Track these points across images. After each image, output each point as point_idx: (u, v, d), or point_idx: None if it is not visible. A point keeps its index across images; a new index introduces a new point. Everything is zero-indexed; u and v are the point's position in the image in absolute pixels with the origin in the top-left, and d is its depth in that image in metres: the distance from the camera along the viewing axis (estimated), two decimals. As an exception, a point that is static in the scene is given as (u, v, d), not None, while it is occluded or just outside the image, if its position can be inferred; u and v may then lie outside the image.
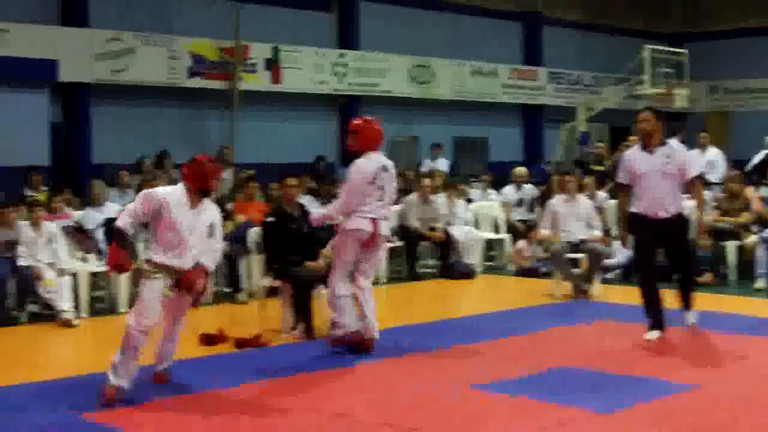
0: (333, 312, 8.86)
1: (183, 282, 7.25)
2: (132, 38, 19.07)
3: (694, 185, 9.41)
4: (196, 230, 7.28)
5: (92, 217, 12.92)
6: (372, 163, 8.74)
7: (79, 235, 12.39)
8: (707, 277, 12.89)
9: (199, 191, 7.32)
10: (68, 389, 7.65)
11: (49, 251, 11.35)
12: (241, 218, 12.85)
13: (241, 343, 9.25)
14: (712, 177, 16.34)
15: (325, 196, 14.79)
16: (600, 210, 13.88)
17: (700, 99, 28.90)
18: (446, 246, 14.55)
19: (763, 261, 12.65)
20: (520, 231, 15.58)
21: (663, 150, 9.17)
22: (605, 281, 12.77)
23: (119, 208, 13.06)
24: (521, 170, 17.17)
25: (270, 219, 10.18)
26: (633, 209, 9.30)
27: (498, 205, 16.49)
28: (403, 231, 14.48)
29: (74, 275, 11.43)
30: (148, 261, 7.30)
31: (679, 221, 9.23)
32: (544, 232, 12.89)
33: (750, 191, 13.97)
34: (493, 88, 25.84)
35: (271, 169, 17.21)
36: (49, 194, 13.75)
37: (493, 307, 12.03)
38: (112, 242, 7.36)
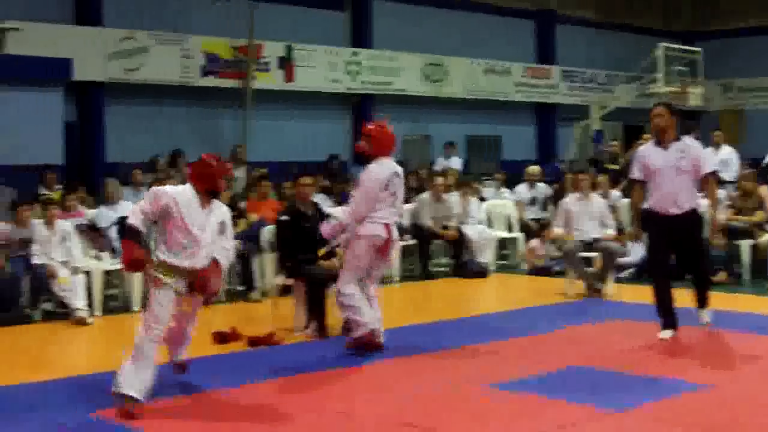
0: (346, 313, 8.77)
1: (196, 282, 7.10)
2: (146, 37, 19.12)
3: (708, 182, 9.26)
4: (208, 229, 7.11)
5: (106, 216, 12.96)
6: (385, 168, 8.70)
7: (92, 233, 12.44)
8: (721, 276, 12.84)
9: (207, 192, 7.15)
10: (82, 387, 7.67)
11: (63, 249, 11.39)
12: (254, 217, 12.87)
13: (254, 342, 9.26)
14: (726, 175, 16.29)
15: (338, 194, 14.80)
16: (614, 209, 13.86)
17: (714, 97, 28.81)
18: (459, 244, 14.55)
19: (777, 260, 12.62)
20: (534, 230, 15.57)
21: (677, 145, 9.08)
22: (618, 280, 12.73)
23: (133, 206, 13.12)
24: (534, 169, 17.16)
25: (284, 218, 10.19)
26: (646, 206, 9.25)
27: (511, 203, 16.47)
28: (416, 229, 14.48)
29: (88, 273, 11.46)
30: (158, 264, 7.08)
31: (693, 217, 9.12)
32: (557, 230, 12.87)
33: (764, 190, 13.90)
34: (506, 86, 25.83)
35: (283, 167, 17.23)
36: (63, 193, 13.79)
37: (506, 306, 12.03)
38: (124, 239, 7.20)
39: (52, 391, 7.57)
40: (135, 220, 7.01)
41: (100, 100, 19.06)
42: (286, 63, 21.27)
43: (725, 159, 17.11)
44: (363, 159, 8.98)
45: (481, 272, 14.28)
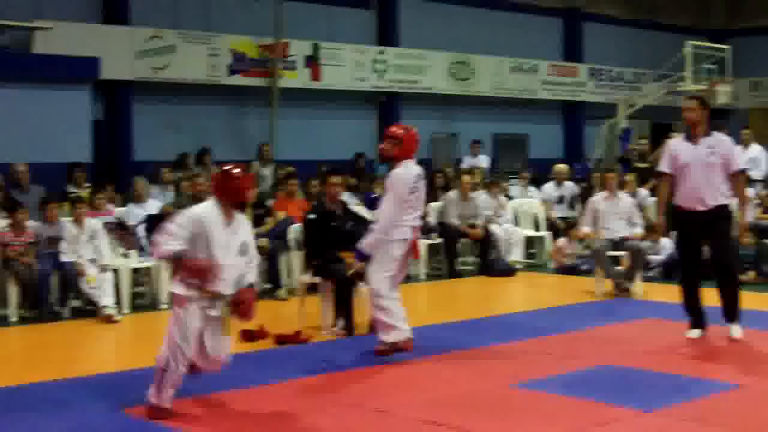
0: (381, 315, 8.47)
1: (240, 310, 6.87)
2: (173, 36, 19.18)
3: (737, 179, 9.11)
4: (230, 251, 6.83)
5: (134, 214, 13.01)
6: (410, 171, 8.61)
7: (121, 231, 12.49)
8: (750, 275, 12.78)
9: (232, 205, 6.89)
10: (110, 385, 7.70)
11: (92, 247, 11.45)
12: (281, 215, 12.89)
13: (281, 340, 9.27)
14: (755, 174, 16.17)
15: (364, 192, 14.81)
16: (642, 207, 13.79)
17: (743, 96, 28.59)
18: (486, 243, 14.52)
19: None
20: (561, 228, 15.51)
21: (707, 141, 8.94)
22: (647, 279, 12.68)
23: (161, 205, 13.18)
24: (562, 167, 17.08)
25: (312, 216, 10.19)
26: (675, 202, 9.14)
27: (538, 202, 16.42)
28: (442, 228, 14.47)
29: (116, 271, 11.52)
30: (182, 285, 6.81)
31: (720, 214, 8.91)
32: (585, 229, 12.83)
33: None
34: (533, 84, 25.75)
35: (310, 166, 17.25)
36: (92, 191, 13.86)
37: (534, 305, 11.99)
38: (179, 264, 6.80)
39: (81, 389, 7.60)
40: (175, 247, 6.70)
41: (127, 98, 19.15)
42: (312, 61, 21.28)
43: (754, 157, 16.96)
44: (386, 160, 8.90)
45: (508, 271, 14.25)
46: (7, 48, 17.08)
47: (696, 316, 9.12)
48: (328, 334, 9.66)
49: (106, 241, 11.73)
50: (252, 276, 7.07)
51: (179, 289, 6.80)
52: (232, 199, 6.88)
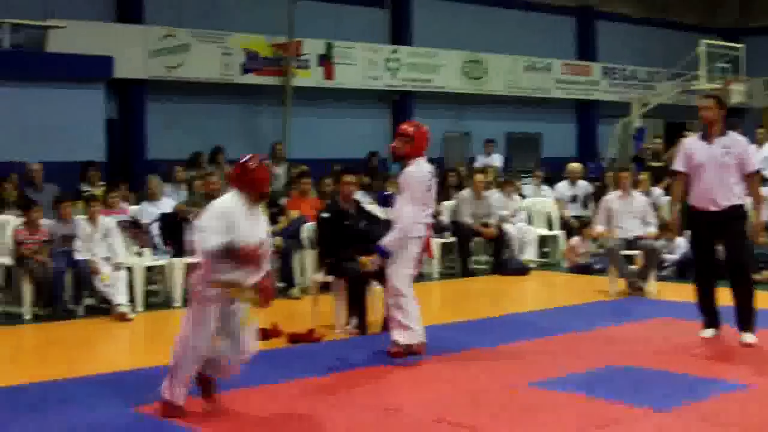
0: (397, 315, 8.37)
1: (261, 297, 6.83)
2: (186, 35, 19.22)
3: (752, 179, 9.04)
4: (255, 240, 6.78)
5: (148, 212, 13.03)
6: (422, 169, 8.58)
7: (134, 229, 12.52)
8: (765, 274, 12.73)
9: (253, 196, 6.86)
10: (123, 383, 7.71)
11: (106, 246, 11.48)
12: (294, 213, 12.90)
13: (295, 338, 9.29)
14: (769, 173, 16.10)
15: (377, 191, 14.80)
16: (656, 206, 13.76)
17: (757, 94, 28.48)
18: (499, 242, 14.51)
19: (822, 258, 12.47)
20: (574, 227, 15.49)
21: (723, 140, 8.86)
22: (660, 278, 12.65)
23: (174, 203, 13.20)
24: (575, 166, 17.05)
25: (325, 215, 10.19)
26: (689, 201, 9.10)
27: (551, 201, 16.40)
28: (455, 227, 14.46)
29: (130, 269, 11.54)
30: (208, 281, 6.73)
31: (733, 213, 8.83)
32: (598, 228, 12.81)
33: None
34: (547, 83, 25.70)
35: (323, 165, 17.26)
36: (105, 189, 13.90)
37: (547, 304, 11.99)
38: (244, 255, 6.67)
39: (94, 387, 7.61)
40: (216, 242, 6.59)
41: (141, 97, 19.21)
42: (325, 60, 21.30)
43: (768, 156, 16.91)
44: (398, 159, 8.86)
45: (521, 270, 14.24)
46: (20, 47, 17.10)
47: (710, 315, 9.09)
48: (341, 332, 9.67)
49: (120, 240, 11.77)
50: (267, 265, 7.04)
51: (203, 288, 6.71)
52: (251, 190, 6.88)
